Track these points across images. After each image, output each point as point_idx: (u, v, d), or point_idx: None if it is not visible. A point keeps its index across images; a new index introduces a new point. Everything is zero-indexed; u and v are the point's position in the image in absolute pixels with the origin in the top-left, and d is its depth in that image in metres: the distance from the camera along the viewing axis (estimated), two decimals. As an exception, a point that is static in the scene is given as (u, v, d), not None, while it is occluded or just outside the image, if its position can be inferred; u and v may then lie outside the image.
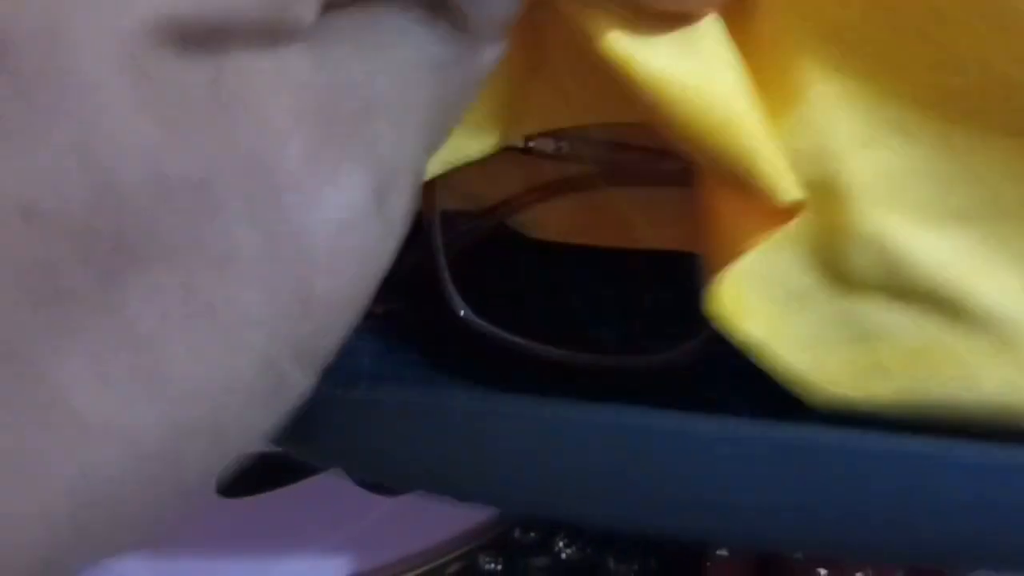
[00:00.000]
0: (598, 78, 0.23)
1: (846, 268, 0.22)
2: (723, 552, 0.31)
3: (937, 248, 0.22)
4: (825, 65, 0.23)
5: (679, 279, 0.30)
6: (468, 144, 0.24)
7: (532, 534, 0.32)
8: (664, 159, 0.28)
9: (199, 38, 0.13)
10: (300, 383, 0.16)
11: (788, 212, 0.22)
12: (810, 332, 0.23)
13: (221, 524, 0.32)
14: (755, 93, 0.22)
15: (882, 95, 0.23)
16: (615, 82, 0.22)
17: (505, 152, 0.29)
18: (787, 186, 0.21)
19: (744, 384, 0.28)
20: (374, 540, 0.32)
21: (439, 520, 0.32)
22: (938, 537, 0.18)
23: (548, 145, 0.29)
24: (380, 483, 0.26)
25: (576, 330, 0.29)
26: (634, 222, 0.30)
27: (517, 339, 0.28)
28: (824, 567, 0.31)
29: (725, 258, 0.22)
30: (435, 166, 0.24)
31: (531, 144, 0.29)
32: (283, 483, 0.32)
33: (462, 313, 0.28)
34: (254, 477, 0.33)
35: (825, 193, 0.22)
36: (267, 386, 0.15)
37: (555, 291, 0.31)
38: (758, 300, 0.23)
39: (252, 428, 0.16)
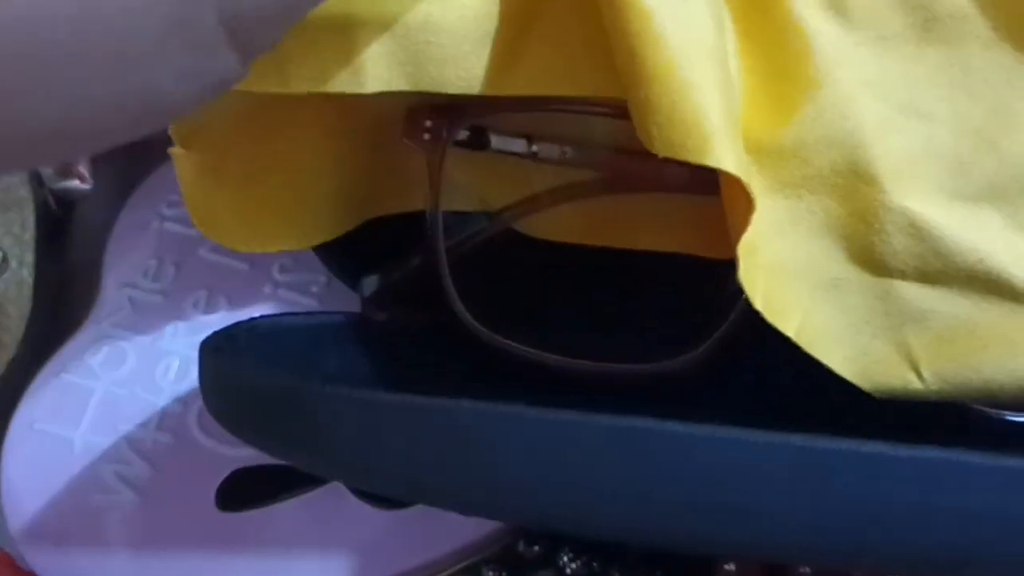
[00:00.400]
0: (586, 46, 0.23)
1: (880, 253, 0.22)
2: (730, 566, 0.30)
3: (969, 227, 0.22)
4: (840, 51, 0.23)
5: (685, 285, 0.29)
6: (451, 81, 0.24)
7: (536, 548, 0.32)
8: (669, 165, 0.28)
9: None
10: (227, 60, 0.16)
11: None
12: (846, 323, 0.22)
13: (220, 537, 0.32)
14: (773, 81, 0.22)
15: (896, 78, 0.23)
16: (601, 53, 0.22)
17: (510, 156, 0.29)
18: (723, 153, 0.21)
19: (752, 391, 0.28)
20: (375, 553, 0.31)
21: (442, 533, 0.31)
22: (950, 545, 0.18)
23: (554, 151, 0.29)
24: (379, 493, 0.25)
25: (581, 337, 0.29)
26: (639, 225, 0.30)
27: (519, 346, 0.28)
28: (834, 581, 0.30)
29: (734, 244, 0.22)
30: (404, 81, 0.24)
31: (535, 149, 0.29)
32: (282, 497, 0.32)
33: (461, 314, 0.28)
34: (252, 491, 0.32)
35: (853, 178, 0.22)
36: (186, 34, 0.15)
37: (560, 297, 0.31)
38: (793, 293, 0.22)
39: (162, 80, 0.16)
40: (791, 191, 0.23)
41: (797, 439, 0.18)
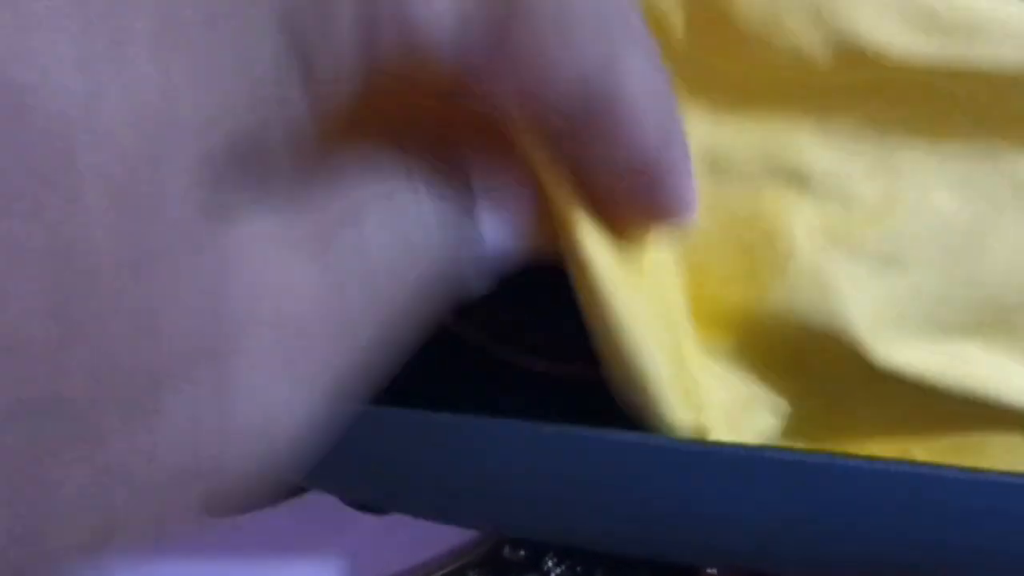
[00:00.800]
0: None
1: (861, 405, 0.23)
2: (712, 571, 0.31)
3: (954, 364, 0.22)
4: (809, 218, 0.23)
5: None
6: None
7: (522, 552, 0.32)
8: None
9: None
10: None
11: None
12: None
13: (211, 540, 0.32)
14: (745, 258, 0.23)
15: (868, 234, 0.23)
16: None
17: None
18: (665, 415, 0.21)
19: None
20: (363, 557, 0.32)
21: (429, 537, 0.32)
22: (924, 553, 0.18)
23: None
24: (366, 501, 0.26)
25: (571, 343, 0.29)
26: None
27: (510, 351, 0.28)
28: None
29: None
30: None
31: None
32: (270, 502, 0.32)
33: (454, 323, 0.28)
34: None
35: (834, 341, 0.22)
36: None
37: (551, 303, 0.31)
38: None
39: None
40: (768, 371, 0.23)
41: (770, 452, 0.18)
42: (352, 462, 0.20)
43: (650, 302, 0.21)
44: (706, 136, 0.23)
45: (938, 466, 0.18)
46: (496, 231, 0.18)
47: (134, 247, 0.12)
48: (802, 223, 0.23)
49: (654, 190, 0.18)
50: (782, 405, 0.23)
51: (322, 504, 0.32)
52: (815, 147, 0.23)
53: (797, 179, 0.23)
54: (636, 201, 0.19)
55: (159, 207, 0.12)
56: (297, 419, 0.15)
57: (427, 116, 0.18)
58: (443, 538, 0.32)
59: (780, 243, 0.23)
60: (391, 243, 0.16)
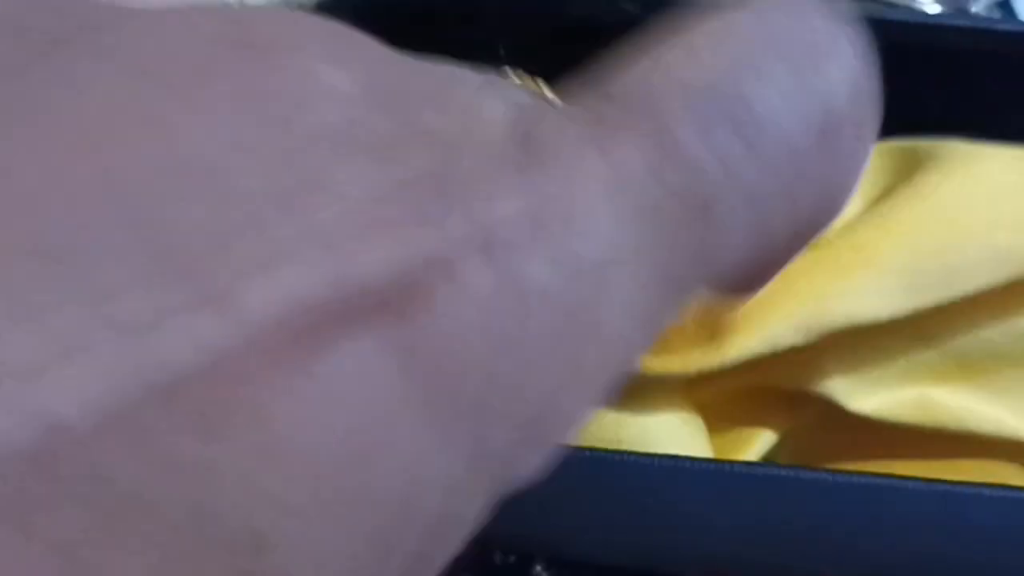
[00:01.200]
0: None
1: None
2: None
3: (922, 403, 0.22)
4: None
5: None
6: None
7: (512, 557, 0.33)
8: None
9: None
10: None
11: None
12: None
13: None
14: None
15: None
16: None
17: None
18: None
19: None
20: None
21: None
22: (888, 560, 0.19)
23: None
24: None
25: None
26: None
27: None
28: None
29: None
30: None
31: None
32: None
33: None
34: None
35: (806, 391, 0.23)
36: None
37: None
38: None
39: None
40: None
41: (739, 466, 0.18)
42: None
43: None
44: None
45: (902, 478, 0.19)
46: None
47: None
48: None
49: None
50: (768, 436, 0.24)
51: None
52: None
53: None
54: None
55: None
56: None
57: None
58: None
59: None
60: None
